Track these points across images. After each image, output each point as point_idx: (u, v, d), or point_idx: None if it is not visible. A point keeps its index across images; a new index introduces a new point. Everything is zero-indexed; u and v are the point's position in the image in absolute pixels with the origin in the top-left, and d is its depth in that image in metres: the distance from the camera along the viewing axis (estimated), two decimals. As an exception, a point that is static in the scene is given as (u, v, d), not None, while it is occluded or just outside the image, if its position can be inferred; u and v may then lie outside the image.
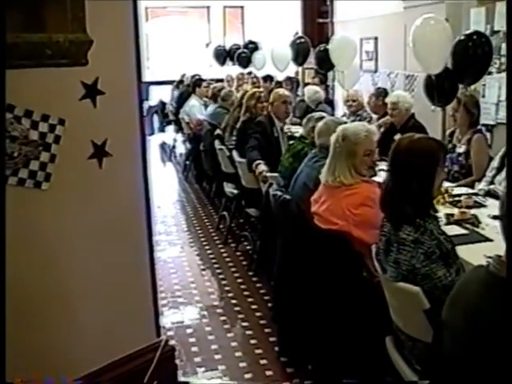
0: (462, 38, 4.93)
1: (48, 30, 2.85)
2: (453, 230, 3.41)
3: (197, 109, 8.94)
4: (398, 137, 5.31)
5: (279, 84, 9.52)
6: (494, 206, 3.57)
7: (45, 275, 2.90)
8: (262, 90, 6.24)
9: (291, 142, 5.17)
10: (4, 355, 2.30)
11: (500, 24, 5.72)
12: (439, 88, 4.94)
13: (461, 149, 4.85)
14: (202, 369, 3.77)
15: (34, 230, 2.83)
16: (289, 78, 9.37)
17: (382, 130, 6.06)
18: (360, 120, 6.85)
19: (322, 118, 4.73)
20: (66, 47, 2.90)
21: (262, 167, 5.04)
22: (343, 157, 3.42)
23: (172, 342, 3.81)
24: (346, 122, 4.25)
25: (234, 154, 5.80)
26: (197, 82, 9.63)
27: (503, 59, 5.74)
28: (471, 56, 4.82)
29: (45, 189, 2.88)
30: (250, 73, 10.66)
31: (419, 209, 2.57)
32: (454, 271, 2.48)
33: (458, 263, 2.52)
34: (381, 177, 3.41)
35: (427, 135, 2.85)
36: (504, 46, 5.71)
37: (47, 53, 2.84)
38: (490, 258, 1.91)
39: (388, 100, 5.96)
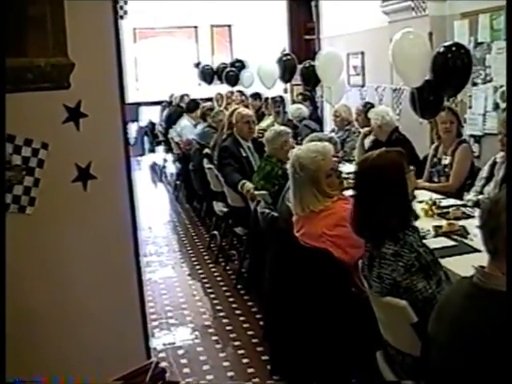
0: (442, 49, 4.95)
1: (29, 54, 2.86)
2: (441, 242, 3.40)
3: (188, 129, 8.96)
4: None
5: (266, 101, 9.53)
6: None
7: (26, 302, 2.87)
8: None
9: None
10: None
11: (483, 36, 5.76)
12: (421, 101, 4.95)
13: (446, 160, 4.85)
14: (194, 390, 3.74)
15: (18, 256, 2.80)
16: (273, 100, 9.28)
17: (368, 143, 6.07)
18: (348, 135, 6.88)
19: (284, 133, 4.80)
20: (48, 71, 2.91)
21: (249, 185, 5.06)
22: (306, 185, 3.35)
23: (163, 364, 3.79)
24: (330, 138, 4.27)
25: (219, 174, 5.84)
26: (190, 104, 9.62)
27: (488, 70, 5.78)
28: (451, 67, 4.83)
29: (29, 213, 2.87)
30: (240, 91, 10.65)
31: (401, 220, 2.57)
32: (435, 283, 2.46)
33: (438, 275, 2.51)
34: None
35: (386, 148, 2.84)
36: (488, 57, 5.75)
37: (29, 77, 2.85)
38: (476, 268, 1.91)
39: (369, 116, 5.98)
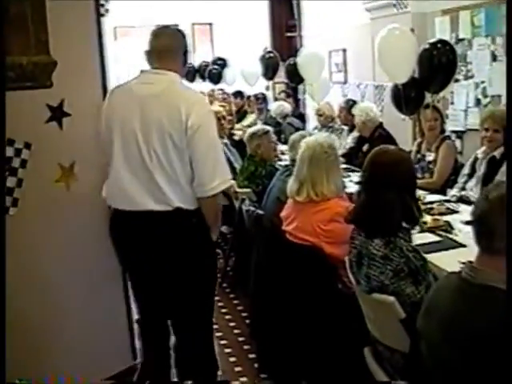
0: (427, 46, 4.98)
1: (11, 53, 2.82)
2: (426, 238, 3.41)
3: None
4: (366, 147, 5.39)
5: (249, 99, 9.52)
6: (466, 212, 3.57)
7: (11, 304, 2.82)
8: (221, 109, 6.23)
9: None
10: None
11: (464, 32, 5.80)
12: (406, 97, 4.97)
13: (430, 157, 4.87)
14: (181, 390, 3.71)
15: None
16: (255, 96, 9.27)
17: (352, 139, 6.13)
18: (332, 132, 6.88)
19: (266, 132, 4.80)
20: (30, 70, 2.88)
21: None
22: (335, 166, 3.38)
23: (150, 364, 3.77)
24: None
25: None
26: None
27: (469, 66, 5.82)
28: (436, 64, 4.86)
29: (12, 214, 2.84)
30: (221, 89, 10.61)
31: (405, 216, 2.55)
32: (423, 288, 2.44)
33: (427, 280, 2.48)
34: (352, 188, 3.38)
35: (396, 146, 2.82)
36: (470, 53, 5.79)
37: (10, 76, 2.81)
38: (463, 264, 1.90)
39: (354, 113, 6.01)
